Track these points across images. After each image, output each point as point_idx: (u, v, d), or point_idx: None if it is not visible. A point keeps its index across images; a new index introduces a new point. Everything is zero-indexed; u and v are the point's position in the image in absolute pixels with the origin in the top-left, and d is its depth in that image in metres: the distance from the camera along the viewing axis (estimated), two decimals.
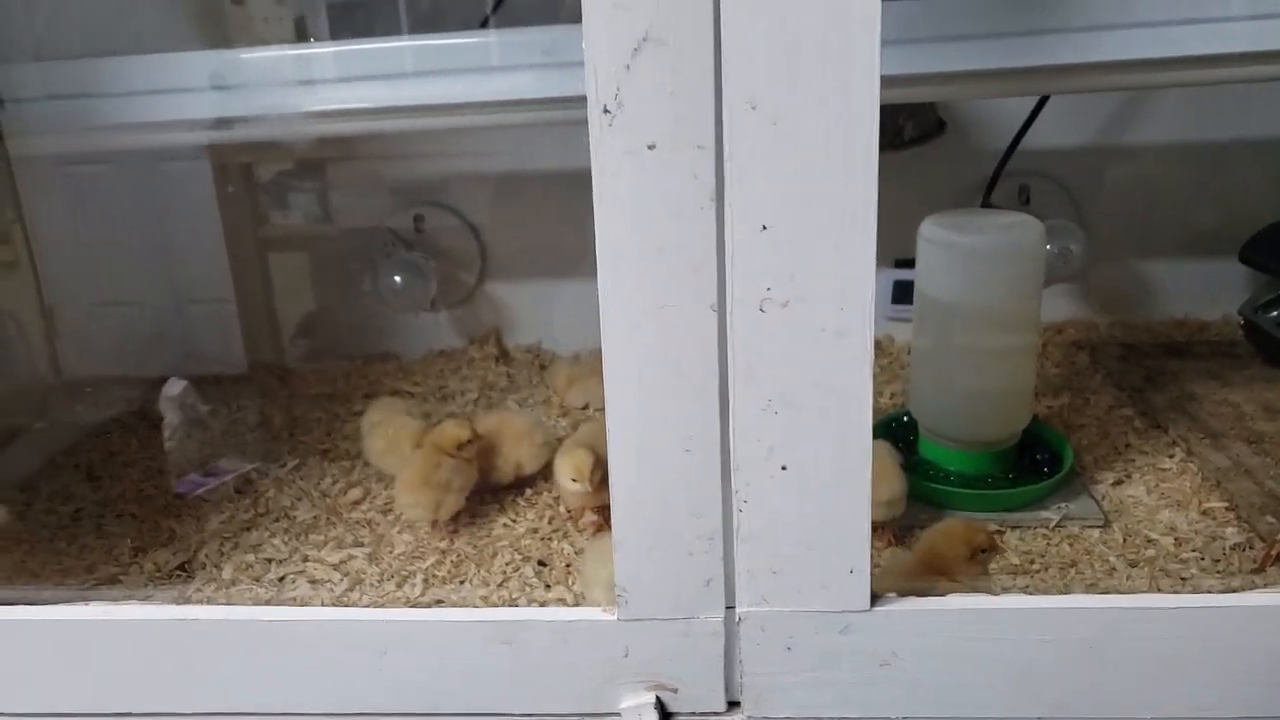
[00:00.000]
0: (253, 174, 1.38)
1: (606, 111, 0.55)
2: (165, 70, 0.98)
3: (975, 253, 0.90)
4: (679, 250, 0.57)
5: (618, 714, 0.67)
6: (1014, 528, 0.91)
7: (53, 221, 1.30)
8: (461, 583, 0.89)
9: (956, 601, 0.63)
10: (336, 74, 0.96)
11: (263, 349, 1.40)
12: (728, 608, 0.64)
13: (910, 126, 1.02)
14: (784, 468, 0.61)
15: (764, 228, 0.56)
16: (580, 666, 0.66)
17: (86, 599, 0.70)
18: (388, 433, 1.05)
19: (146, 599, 0.71)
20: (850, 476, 0.60)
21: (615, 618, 0.65)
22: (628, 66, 0.54)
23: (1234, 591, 0.65)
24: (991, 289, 0.91)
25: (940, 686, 0.64)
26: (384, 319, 1.41)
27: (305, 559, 0.94)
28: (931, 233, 0.92)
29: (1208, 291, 1.32)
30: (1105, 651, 0.62)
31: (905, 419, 1.05)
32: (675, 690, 0.66)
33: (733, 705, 0.67)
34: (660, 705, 0.67)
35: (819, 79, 0.54)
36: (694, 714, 0.67)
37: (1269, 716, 0.63)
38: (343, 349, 1.42)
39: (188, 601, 0.81)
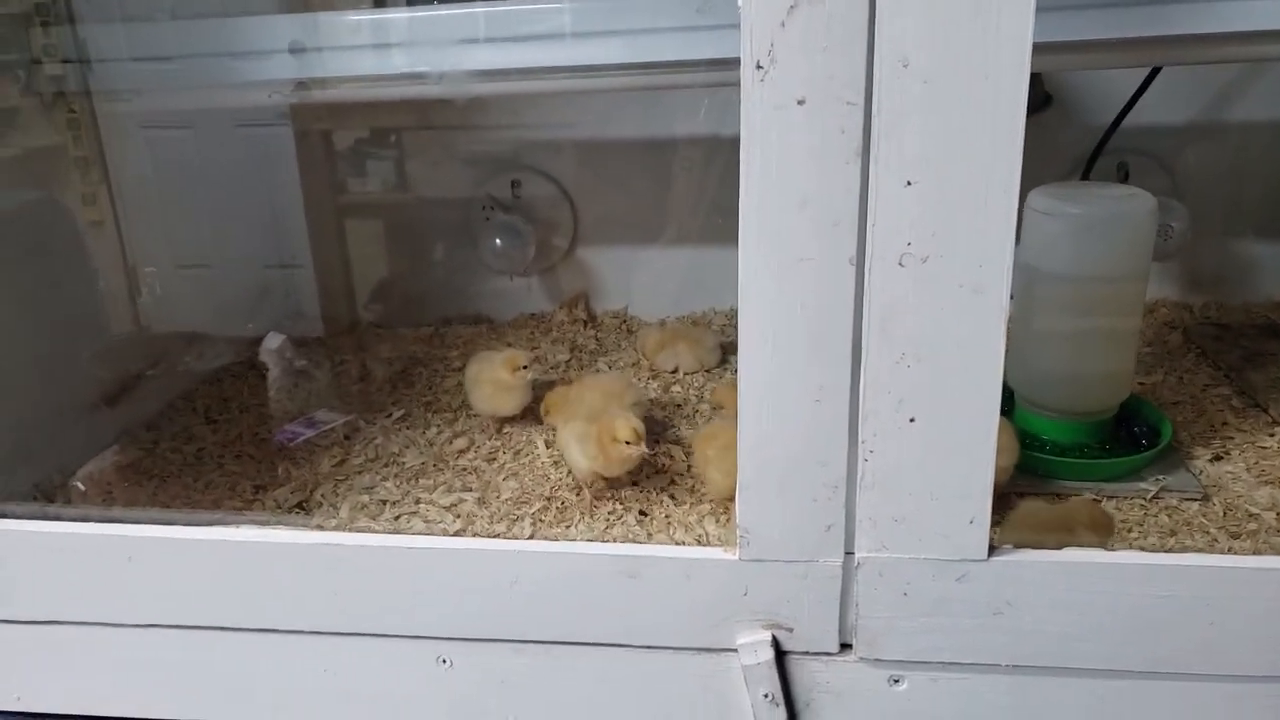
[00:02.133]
0: (332, 141, 1.41)
1: (759, 68, 0.57)
2: (250, 33, 1.01)
3: (1088, 223, 0.91)
4: (821, 204, 0.59)
5: (734, 650, 0.70)
6: (1110, 497, 0.92)
7: (137, 185, 1.35)
8: (567, 527, 0.93)
9: (1072, 555, 0.65)
10: (429, 37, 0.99)
11: (339, 314, 1.44)
12: (847, 553, 0.67)
13: None
14: (912, 420, 0.63)
15: (908, 184, 0.58)
16: (700, 603, 0.69)
17: (237, 522, 0.75)
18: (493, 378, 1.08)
19: (293, 526, 0.75)
20: (977, 430, 0.62)
21: (737, 557, 0.68)
22: (783, 24, 0.56)
23: None
24: (1101, 260, 0.92)
25: (1051, 637, 0.66)
26: (472, 283, 1.44)
27: (417, 501, 0.99)
28: (1041, 204, 0.93)
29: None
30: (1220, 609, 0.64)
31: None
32: (790, 630, 0.69)
33: (845, 647, 0.70)
34: (775, 643, 0.69)
35: (971, 40, 0.55)
36: (807, 653, 0.70)
37: None
38: (421, 314, 1.45)
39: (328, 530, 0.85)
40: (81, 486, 0.96)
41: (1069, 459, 0.96)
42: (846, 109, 0.58)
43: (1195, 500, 0.92)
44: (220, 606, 0.73)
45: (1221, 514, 0.90)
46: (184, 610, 0.74)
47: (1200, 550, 0.84)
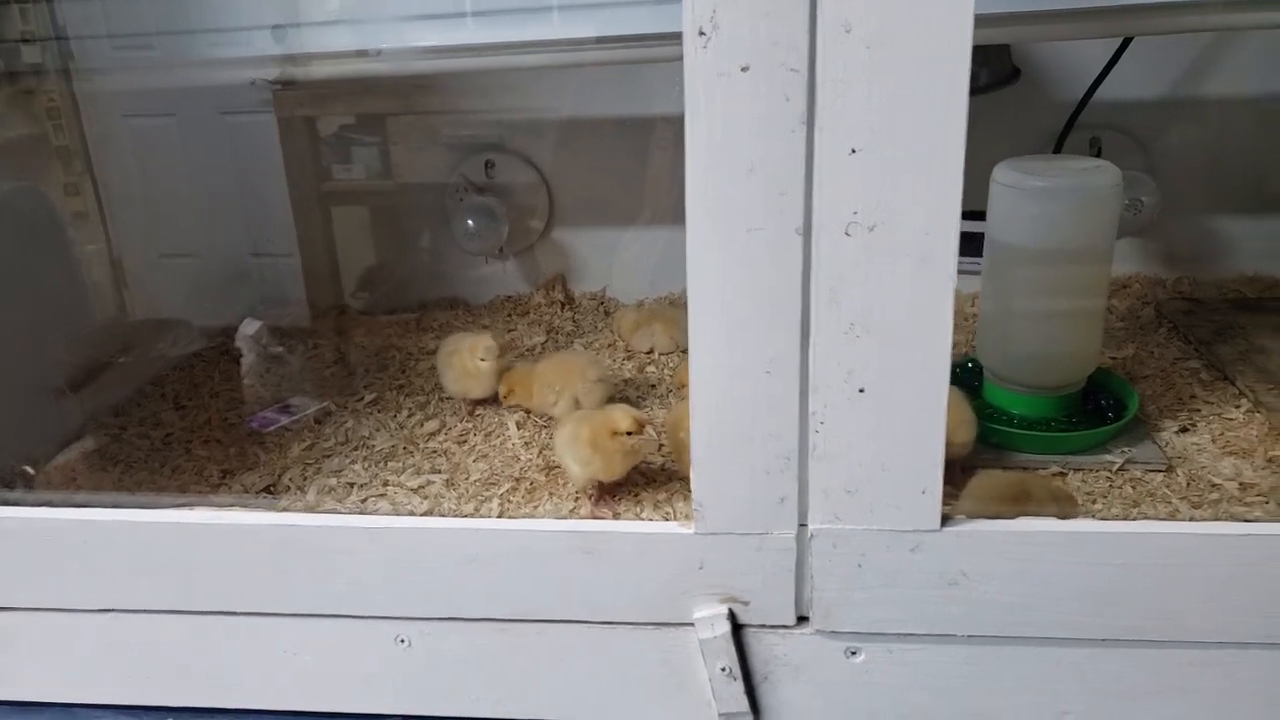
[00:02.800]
0: (316, 128, 1.40)
1: (702, 34, 0.57)
2: (226, 10, 1.00)
3: (1050, 196, 0.91)
4: (767, 172, 0.59)
5: (691, 624, 0.70)
6: (1076, 470, 0.93)
7: (120, 174, 1.35)
8: (535, 508, 0.92)
9: (1025, 525, 0.65)
10: (398, 13, 0.99)
11: (325, 301, 1.43)
12: (800, 525, 0.67)
13: (985, 72, 1.02)
14: (862, 390, 0.63)
15: (853, 151, 0.58)
16: (657, 577, 0.69)
17: (191, 505, 0.75)
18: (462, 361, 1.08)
19: (248, 508, 0.75)
20: (927, 400, 0.62)
21: (692, 531, 0.68)
22: None
23: None
24: (1065, 233, 0.91)
25: (1007, 607, 0.66)
26: (450, 267, 1.44)
27: (385, 483, 0.98)
28: (1006, 176, 0.93)
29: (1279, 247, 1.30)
30: (1174, 575, 0.64)
31: (970, 365, 1.06)
32: (747, 603, 0.69)
33: (802, 620, 0.69)
34: (732, 617, 0.69)
35: (913, 3, 0.55)
36: (764, 626, 0.70)
37: None
38: (407, 299, 1.45)
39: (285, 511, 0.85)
40: (31, 470, 0.96)
41: (1036, 433, 0.96)
42: (790, 75, 0.57)
43: (1159, 471, 0.92)
44: (175, 590, 0.73)
45: (1185, 485, 0.90)
46: (139, 594, 0.74)
47: (1158, 519, 0.85)
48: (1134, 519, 0.85)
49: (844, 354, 0.62)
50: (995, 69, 1.03)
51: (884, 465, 0.64)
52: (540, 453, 1.02)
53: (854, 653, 0.69)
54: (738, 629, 0.70)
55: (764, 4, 0.56)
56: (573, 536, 0.69)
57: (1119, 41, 1.14)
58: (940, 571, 0.66)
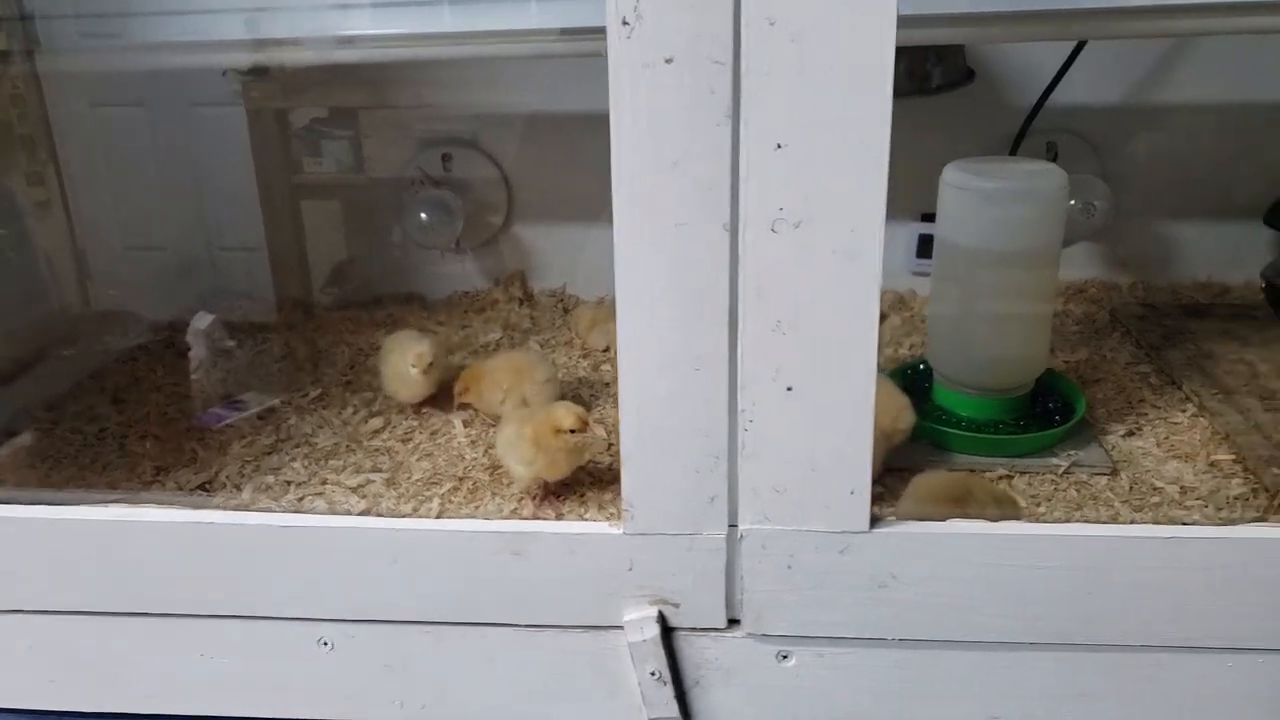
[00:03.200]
0: (286, 121, 1.38)
1: (625, 24, 0.55)
2: None
3: (997, 197, 0.90)
4: (693, 167, 0.58)
5: (620, 627, 0.68)
6: (1022, 473, 0.92)
7: (86, 164, 1.32)
8: (476, 508, 0.91)
9: (955, 526, 0.64)
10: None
11: (293, 295, 1.41)
12: (731, 525, 0.66)
13: (938, 73, 1.02)
14: (790, 388, 0.62)
15: (779, 146, 0.57)
16: (586, 579, 0.68)
17: (106, 501, 0.73)
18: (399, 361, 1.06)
19: (166, 504, 0.73)
20: (854, 398, 0.61)
21: (621, 531, 0.66)
22: None
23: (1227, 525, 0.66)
24: (1011, 235, 0.91)
25: (937, 610, 0.65)
26: (411, 261, 1.42)
27: (324, 482, 0.96)
28: (954, 178, 0.92)
29: (1233, 254, 1.30)
30: (1100, 579, 0.63)
31: (921, 367, 1.05)
32: (678, 605, 0.68)
33: (733, 622, 0.68)
34: (662, 620, 0.68)
35: None
36: (695, 629, 0.69)
37: (1259, 648, 0.64)
38: (373, 293, 1.43)
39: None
40: None
41: (984, 435, 0.95)
42: (715, 68, 0.56)
43: (1104, 475, 0.92)
44: (89, 590, 0.71)
45: (1128, 488, 0.90)
46: (50, 595, 0.72)
47: (1099, 522, 0.84)
48: (1074, 522, 0.84)
49: (772, 351, 0.61)
50: (948, 70, 1.02)
51: (813, 465, 0.63)
52: (486, 452, 1.00)
53: (785, 656, 0.68)
54: (668, 632, 0.69)
55: None
56: (499, 538, 0.67)
57: (1073, 46, 1.14)
58: (870, 574, 0.65)
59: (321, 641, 0.72)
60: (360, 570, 0.69)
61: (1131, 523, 0.84)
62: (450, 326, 1.33)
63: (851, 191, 0.57)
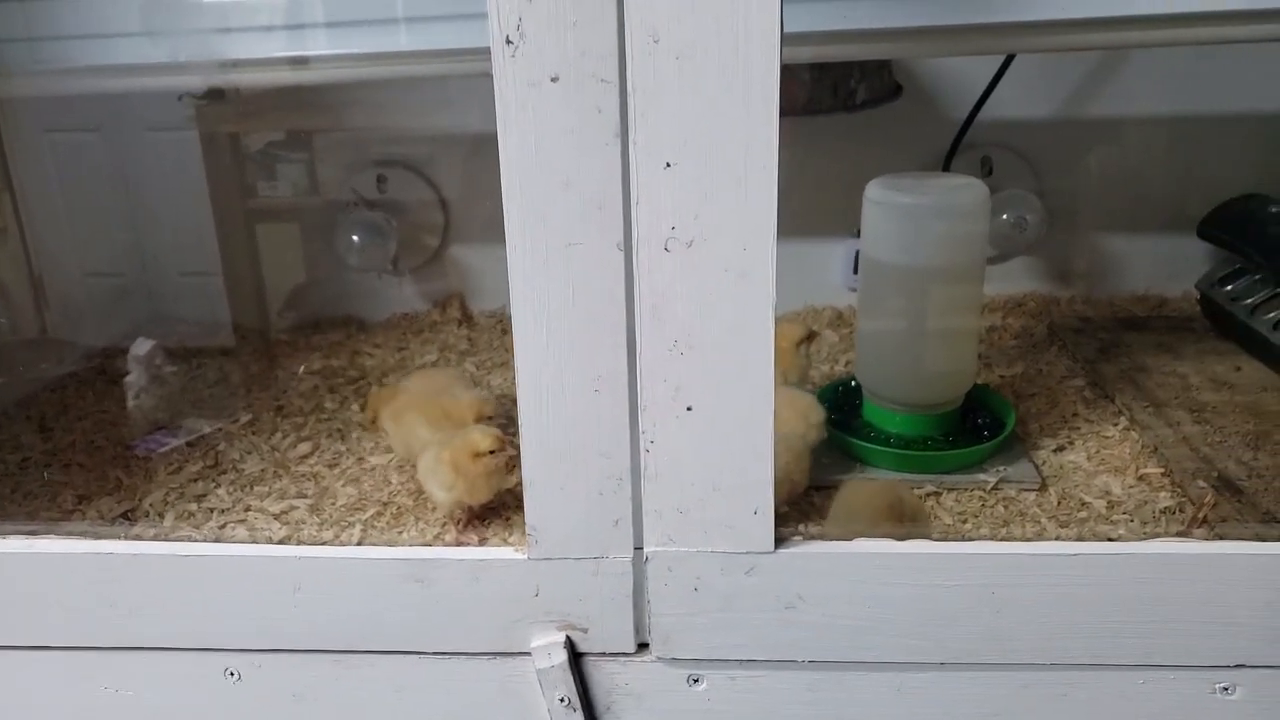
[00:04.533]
0: (240, 145, 1.37)
1: (509, 43, 0.55)
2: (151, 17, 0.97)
3: (917, 213, 0.90)
4: (584, 186, 0.57)
5: (528, 653, 0.67)
6: (950, 489, 0.92)
7: (42, 191, 1.31)
8: (400, 533, 0.90)
9: (860, 546, 0.64)
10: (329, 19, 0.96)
11: (249, 320, 1.40)
12: (636, 548, 0.65)
13: (863, 89, 1.02)
14: (689, 408, 0.61)
15: (668, 165, 0.57)
16: (491, 605, 0.67)
17: (5, 534, 0.71)
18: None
19: (65, 535, 0.71)
20: (753, 417, 0.60)
21: (526, 556, 0.65)
22: None
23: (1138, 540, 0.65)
24: (933, 250, 0.91)
25: (846, 631, 0.64)
26: (363, 284, 1.41)
27: (248, 509, 0.95)
28: (876, 194, 0.92)
29: (1170, 266, 1.31)
30: (1005, 597, 0.63)
31: (852, 383, 1.05)
32: (585, 630, 0.67)
33: (642, 647, 0.67)
34: (571, 645, 0.67)
35: (719, 14, 0.54)
36: (604, 654, 0.67)
37: (1171, 665, 0.64)
38: (325, 316, 1.42)
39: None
40: None
41: (912, 452, 0.95)
42: (601, 87, 0.56)
43: (1033, 490, 0.92)
44: None
45: (1056, 504, 0.90)
46: None
47: (1006, 540, 0.84)
48: (980, 540, 0.84)
49: (670, 371, 0.61)
50: (874, 86, 1.03)
51: (715, 485, 0.62)
52: (412, 476, 0.99)
53: (696, 680, 0.67)
54: (578, 657, 0.68)
55: (570, 13, 0.55)
56: (401, 564, 0.66)
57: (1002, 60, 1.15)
58: (777, 594, 0.64)
59: (229, 672, 0.70)
60: (265, 599, 0.68)
61: (1056, 539, 0.84)
62: (387, 349, 1.32)
63: (742, 210, 0.57)
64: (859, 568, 0.63)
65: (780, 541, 0.63)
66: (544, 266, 0.59)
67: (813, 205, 1.26)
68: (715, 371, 0.60)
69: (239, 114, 1.32)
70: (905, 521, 0.76)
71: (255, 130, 1.35)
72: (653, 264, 0.58)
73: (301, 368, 1.19)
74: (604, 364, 0.61)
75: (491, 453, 0.83)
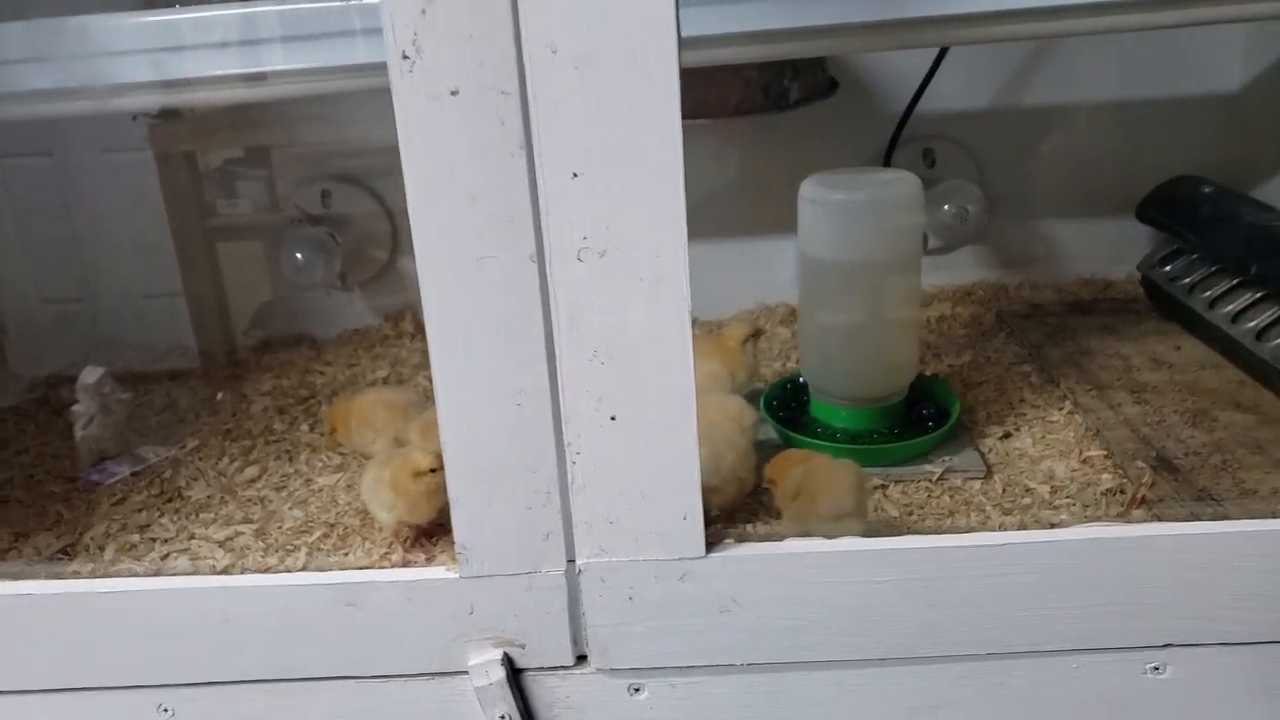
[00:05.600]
0: (195, 163, 1.35)
1: (405, 57, 0.54)
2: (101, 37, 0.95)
3: (850, 208, 0.91)
4: (492, 199, 0.57)
5: (466, 672, 0.66)
6: (898, 481, 0.92)
7: None
8: (345, 555, 0.89)
9: (791, 546, 0.64)
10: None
11: (213, 341, 1.38)
12: (569, 560, 0.64)
13: (796, 87, 1.02)
14: (613, 418, 0.61)
15: (575, 175, 0.56)
16: (426, 626, 0.66)
17: None
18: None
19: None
20: (676, 423, 0.60)
21: (458, 575, 0.65)
22: (424, 10, 0.54)
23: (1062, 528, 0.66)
24: (867, 244, 0.91)
25: (781, 632, 0.64)
26: (311, 301, 1.39)
27: (191, 537, 0.94)
28: (810, 192, 0.92)
29: (1114, 249, 1.32)
30: (939, 590, 0.63)
31: (800, 380, 1.05)
32: (523, 646, 0.66)
33: (581, 659, 0.67)
34: (509, 661, 0.66)
35: (615, 22, 0.53)
36: (543, 669, 0.67)
37: (1102, 648, 0.64)
38: (277, 335, 1.40)
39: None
40: None
41: (859, 445, 0.95)
42: (502, 99, 0.55)
43: (978, 479, 0.92)
44: None
45: (1001, 491, 0.90)
46: None
47: (972, 530, 0.84)
48: (946, 530, 0.84)
49: (591, 382, 0.60)
50: (808, 84, 1.03)
51: (643, 493, 0.62)
52: (360, 496, 0.98)
53: (637, 689, 0.67)
54: (517, 673, 0.67)
55: (466, 25, 0.54)
56: (332, 589, 0.65)
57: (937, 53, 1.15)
58: (711, 599, 0.64)
59: (162, 708, 0.69)
60: (194, 632, 0.67)
61: (1001, 527, 0.85)
62: (338, 367, 1.30)
63: (651, 218, 0.56)
64: (791, 568, 0.63)
65: (711, 545, 0.63)
66: (456, 281, 0.58)
67: (759, 204, 1.27)
68: (636, 380, 0.59)
69: (194, 133, 1.31)
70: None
71: (211, 148, 1.33)
72: (567, 275, 0.58)
73: (219, 394, 1.18)
74: (525, 377, 0.60)
75: (432, 471, 0.82)
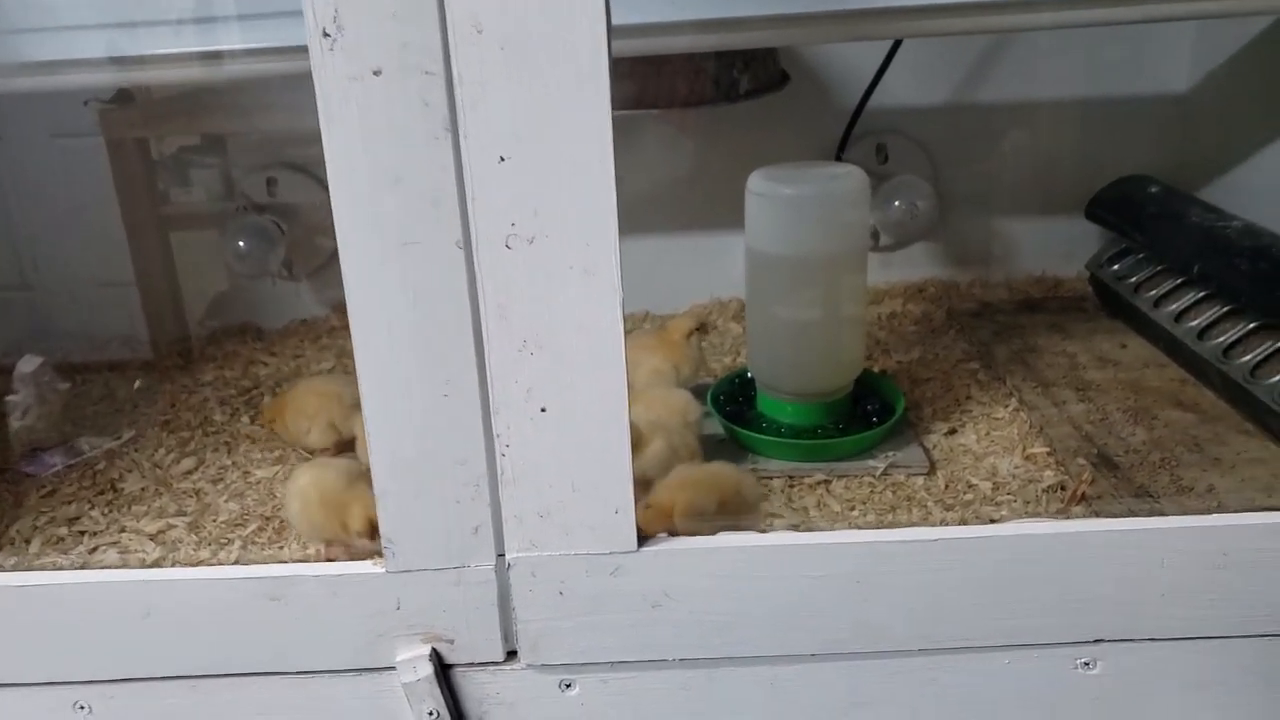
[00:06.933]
0: (148, 150, 1.32)
1: (326, 35, 0.53)
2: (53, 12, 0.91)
3: (795, 202, 0.90)
4: (417, 183, 0.55)
5: (393, 668, 0.65)
6: (841, 477, 0.92)
7: None
8: (281, 548, 0.87)
9: (724, 540, 0.63)
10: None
11: (166, 330, 1.35)
12: (498, 555, 0.63)
13: (746, 79, 1.01)
14: (543, 409, 0.59)
15: (502, 159, 0.55)
16: (352, 621, 0.64)
17: None
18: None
19: None
20: (607, 415, 0.59)
21: (384, 570, 0.63)
22: None
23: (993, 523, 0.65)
24: (813, 239, 0.91)
25: (714, 627, 0.63)
26: (265, 291, 1.36)
27: (122, 530, 0.91)
28: (757, 185, 0.92)
29: (1064, 247, 1.33)
30: (871, 585, 0.62)
31: (748, 375, 1.04)
32: (452, 641, 0.65)
33: (511, 655, 0.66)
34: (438, 657, 0.65)
35: (543, 2, 0.52)
36: (472, 664, 0.66)
37: (1028, 644, 0.64)
38: (222, 325, 1.37)
39: None
40: None
41: (803, 441, 0.95)
42: (427, 79, 0.54)
43: (921, 475, 0.92)
44: None
45: (943, 487, 0.90)
46: None
47: (912, 525, 0.84)
48: (841, 529, 0.84)
49: (521, 372, 0.59)
50: (758, 75, 1.02)
51: (574, 486, 0.61)
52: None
53: (568, 685, 0.66)
54: (446, 669, 0.66)
55: (389, 3, 0.52)
56: (255, 584, 0.63)
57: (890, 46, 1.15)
58: (643, 594, 0.63)
59: (79, 706, 0.67)
60: (114, 626, 0.64)
61: (941, 523, 0.84)
62: (282, 358, 1.28)
63: (581, 205, 0.55)
64: (724, 562, 0.62)
65: (644, 540, 0.62)
66: (380, 267, 0.57)
67: (713, 197, 1.26)
68: (567, 371, 0.58)
69: (146, 118, 1.27)
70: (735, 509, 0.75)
71: (164, 134, 1.30)
72: (495, 262, 0.57)
73: (137, 382, 1.15)
74: (452, 367, 0.59)
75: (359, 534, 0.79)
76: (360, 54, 0.53)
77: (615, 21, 0.78)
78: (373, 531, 0.69)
